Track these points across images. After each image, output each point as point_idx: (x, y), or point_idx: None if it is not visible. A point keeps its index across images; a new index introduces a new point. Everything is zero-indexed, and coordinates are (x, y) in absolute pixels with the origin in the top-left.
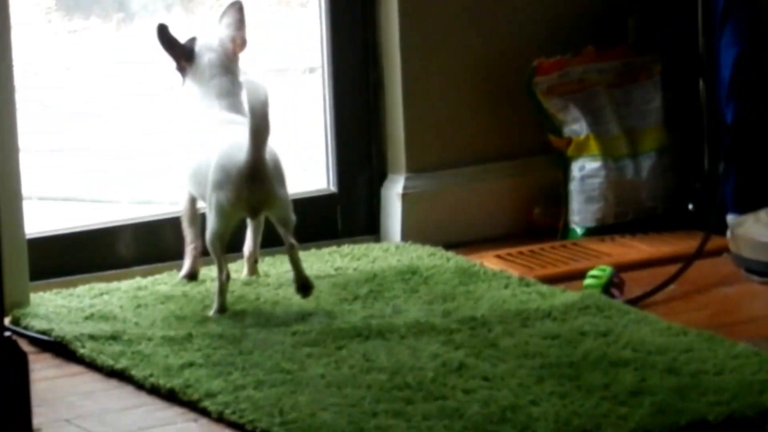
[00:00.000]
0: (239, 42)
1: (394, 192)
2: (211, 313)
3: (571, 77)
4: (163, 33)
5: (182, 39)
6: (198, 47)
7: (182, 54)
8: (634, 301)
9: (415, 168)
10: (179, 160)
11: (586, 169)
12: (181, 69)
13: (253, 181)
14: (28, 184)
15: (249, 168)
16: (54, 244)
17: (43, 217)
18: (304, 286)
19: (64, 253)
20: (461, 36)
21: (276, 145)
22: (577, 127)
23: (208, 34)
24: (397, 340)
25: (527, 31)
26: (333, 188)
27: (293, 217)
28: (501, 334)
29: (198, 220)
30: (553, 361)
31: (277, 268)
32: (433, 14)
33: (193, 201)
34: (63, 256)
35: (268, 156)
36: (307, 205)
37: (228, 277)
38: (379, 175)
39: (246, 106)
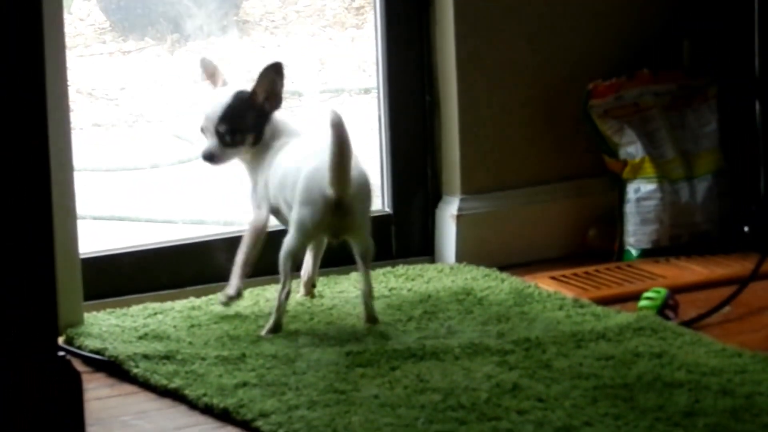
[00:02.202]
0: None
1: (448, 213)
2: (263, 332)
3: (626, 100)
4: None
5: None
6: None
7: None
8: (688, 323)
9: (469, 190)
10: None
11: (641, 192)
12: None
13: (339, 208)
14: (82, 204)
15: (335, 197)
16: (108, 264)
17: (97, 236)
18: (371, 320)
19: (117, 272)
20: (518, 58)
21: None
22: (632, 149)
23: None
24: (451, 361)
25: (583, 53)
26: (388, 209)
27: (372, 243)
28: (555, 355)
29: (261, 244)
30: (607, 383)
31: (331, 288)
32: (490, 36)
33: (264, 224)
34: (117, 276)
35: (356, 177)
36: None
37: (288, 295)
38: (434, 197)
39: (326, 136)
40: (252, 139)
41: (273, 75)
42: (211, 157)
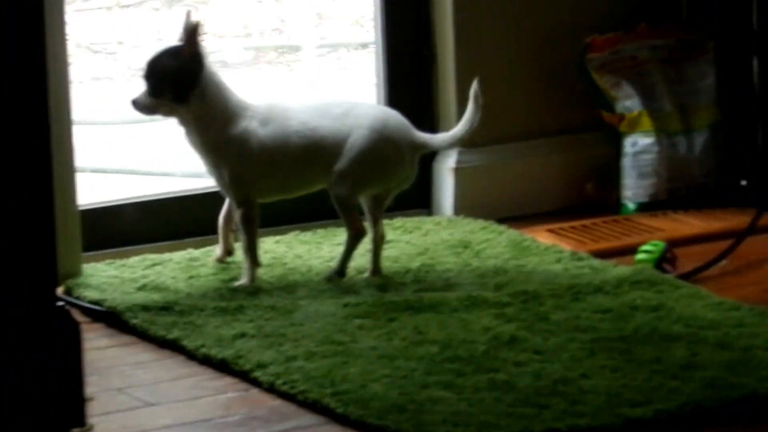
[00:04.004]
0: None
1: (446, 166)
2: (331, 272)
3: (623, 54)
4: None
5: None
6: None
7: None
8: (686, 276)
9: (467, 143)
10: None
11: (638, 145)
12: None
13: (413, 157)
14: (81, 156)
15: (421, 143)
16: (106, 216)
17: (96, 188)
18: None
19: (116, 224)
20: (514, 12)
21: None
22: (629, 103)
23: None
24: (448, 313)
25: (580, 7)
26: None
27: None
28: (552, 308)
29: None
30: (605, 335)
31: (329, 240)
32: None
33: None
34: (115, 228)
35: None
36: None
37: (362, 232)
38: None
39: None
40: (173, 93)
41: (191, 34)
42: (135, 104)
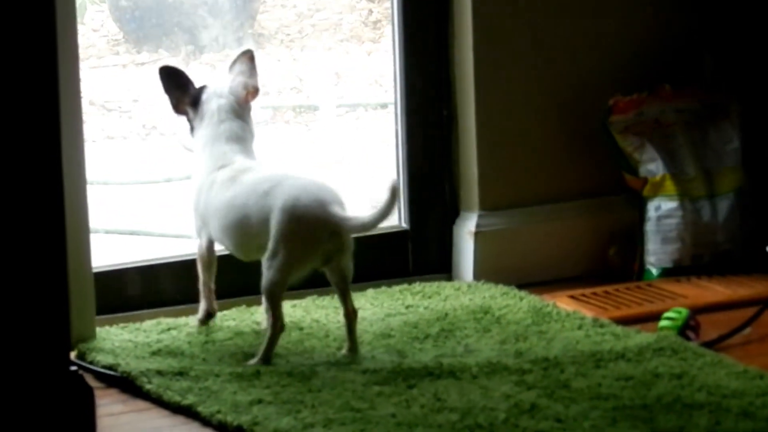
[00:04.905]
0: (251, 89)
1: (466, 230)
2: (253, 361)
3: (647, 116)
4: (168, 75)
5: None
6: (206, 93)
7: (186, 98)
8: (709, 344)
9: (488, 206)
10: (195, 206)
11: (662, 210)
12: (181, 113)
13: (332, 236)
14: (95, 217)
15: (333, 222)
16: (121, 278)
17: (110, 250)
18: (354, 351)
19: (131, 287)
20: (536, 72)
21: (347, 180)
22: (653, 166)
23: (219, 81)
24: (468, 380)
25: (602, 69)
26: (405, 225)
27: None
28: (574, 375)
29: (215, 267)
30: (627, 403)
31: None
32: (509, 50)
33: (211, 244)
34: (130, 291)
35: (337, 198)
36: (378, 242)
37: (282, 328)
38: (452, 213)
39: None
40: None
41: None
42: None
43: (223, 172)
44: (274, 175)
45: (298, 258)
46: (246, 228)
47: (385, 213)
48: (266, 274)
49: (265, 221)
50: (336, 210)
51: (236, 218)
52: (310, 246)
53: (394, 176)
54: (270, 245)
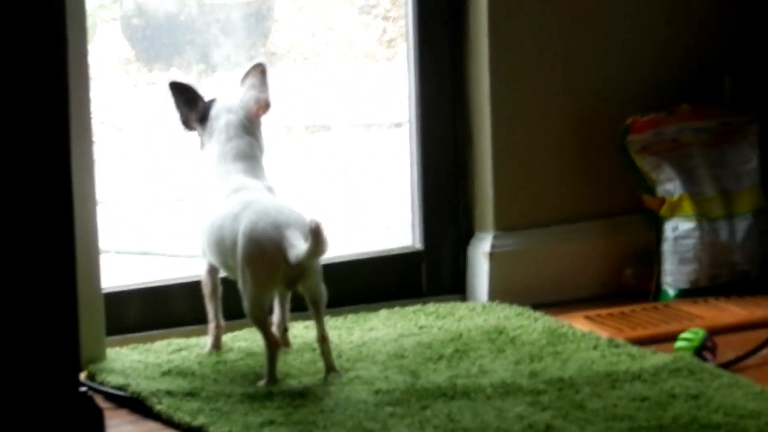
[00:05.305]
0: (263, 104)
1: (481, 250)
2: (262, 382)
3: (665, 136)
4: (178, 90)
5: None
6: (215, 108)
7: (195, 113)
8: (726, 365)
9: (503, 226)
10: (198, 229)
11: (679, 230)
12: (190, 129)
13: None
14: (105, 238)
15: (284, 246)
16: (131, 299)
17: (120, 270)
18: (331, 368)
19: (141, 307)
20: (553, 92)
21: (358, 198)
22: (670, 186)
23: (229, 96)
24: (482, 401)
25: (620, 87)
26: (418, 245)
27: (324, 288)
28: (589, 396)
29: (219, 291)
30: (643, 424)
31: (360, 325)
32: (525, 69)
33: (213, 271)
34: (140, 311)
35: (303, 225)
36: (391, 262)
37: (278, 346)
38: (466, 233)
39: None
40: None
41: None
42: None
43: (220, 191)
44: (246, 198)
45: (260, 282)
46: (223, 249)
47: (311, 253)
48: (243, 302)
49: (234, 245)
50: (288, 234)
51: (216, 240)
52: (269, 269)
53: (316, 219)
54: (238, 270)
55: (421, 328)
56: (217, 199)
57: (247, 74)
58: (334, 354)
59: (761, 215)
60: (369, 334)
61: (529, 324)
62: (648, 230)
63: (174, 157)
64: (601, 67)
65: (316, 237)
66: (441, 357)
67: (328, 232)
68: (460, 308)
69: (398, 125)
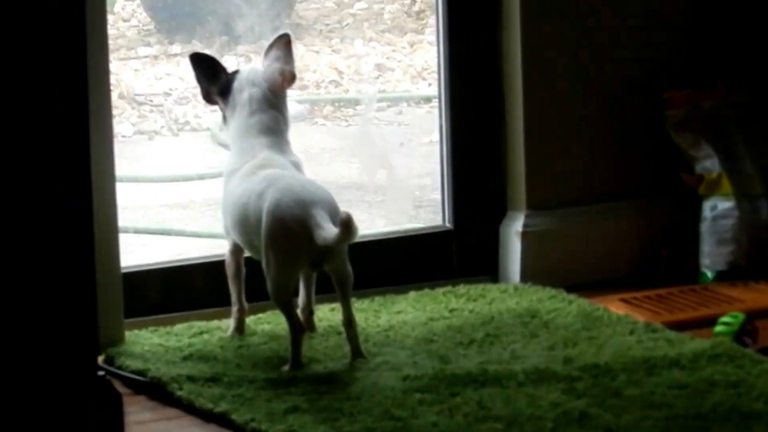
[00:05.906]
0: (288, 76)
1: (513, 230)
2: (286, 367)
3: (703, 112)
4: (199, 62)
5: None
6: (238, 81)
7: (217, 86)
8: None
9: (536, 205)
10: (221, 207)
11: (718, 209)
12: (212, 103)
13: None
14: (124, 216)
15: (310, 225)
16: (151, 280)
17: (139, 250)
18: (357, 355)
19: (161, 289)
20: (587, 68)
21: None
22: (709, 164)
23: (252, 68)
24: (514, 388)
25: (656, 65)
26: (449, 225)
27: (350, 270)
28: (625, 383)
29: (243, 272)
30: (681, 413)
31: (388, 308)
32: (558, 45)
33: (236, 252)
34: (160, 292)
35: (330, 203)
36: (421, 242)
37: (302, 329)
38: (498, 212)
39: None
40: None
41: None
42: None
43: (246, 166)
44: (271, 175)
45: (284, 261)
46: (247, 228)
47: (339, 239)
48: (267, 283)
49: (259, 224)
50: (314, 213)
51: (240, 218)
52: (293, 248)
53: (348, 212)
54: (262, 250)
55: (451, 311)
56: (240, 176)
57: (271, 46)
58: (360, 338)
59: None
60: (397, 317)
61: (563, 307)
62: (685, 210)
63: (195, 133)
64: (636, 44)
65: (346, 226)
66: (472, 342)
67: (357, 222)
68: (491, 290)
69: (428, 100)
